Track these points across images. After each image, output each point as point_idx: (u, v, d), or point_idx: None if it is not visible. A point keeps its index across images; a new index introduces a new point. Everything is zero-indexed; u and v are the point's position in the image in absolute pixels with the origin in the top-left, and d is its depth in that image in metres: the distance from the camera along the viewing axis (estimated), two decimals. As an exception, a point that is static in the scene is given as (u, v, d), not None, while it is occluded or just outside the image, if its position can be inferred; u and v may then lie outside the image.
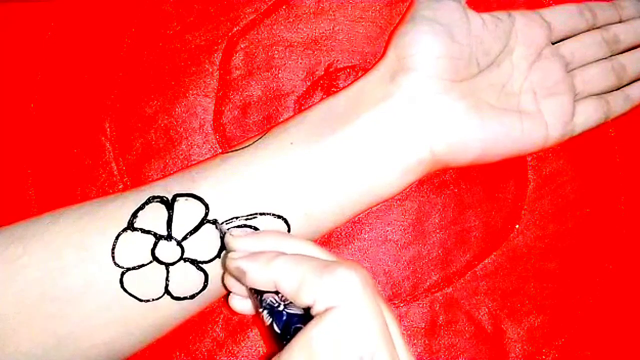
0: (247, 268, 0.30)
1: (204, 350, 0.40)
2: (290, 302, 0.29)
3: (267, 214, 0.34)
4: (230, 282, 0.33)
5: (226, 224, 0.34)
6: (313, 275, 0.27)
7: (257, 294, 0.30)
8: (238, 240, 0.32)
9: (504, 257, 0.42)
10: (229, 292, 0.34)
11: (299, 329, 0.26)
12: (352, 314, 0.26)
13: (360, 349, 0.25)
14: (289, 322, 0.28)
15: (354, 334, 0.25)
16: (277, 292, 0.29)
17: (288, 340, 0.26)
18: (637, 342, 0.41)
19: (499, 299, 0.41)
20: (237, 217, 0.34)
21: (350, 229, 0.41)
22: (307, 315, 0.28)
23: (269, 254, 0.30)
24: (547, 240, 0.42)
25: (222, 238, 0.34)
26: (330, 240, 0.41)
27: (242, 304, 0.34)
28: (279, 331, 0.28)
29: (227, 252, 0.32)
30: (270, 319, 0.28)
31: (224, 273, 0.34)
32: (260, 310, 0.29)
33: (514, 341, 0.41)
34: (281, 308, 0.28)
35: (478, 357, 0.41)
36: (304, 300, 0.27)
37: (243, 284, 0.31)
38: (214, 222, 0.34)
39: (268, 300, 0.29)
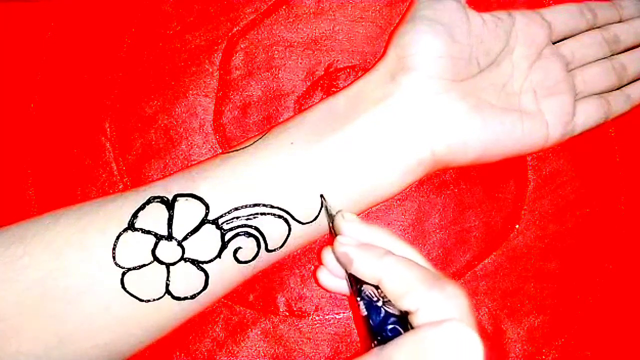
0: (355, 257, 0.30)
1: (204, 350, 0.40)
2: (389, 301, 0.29)
3: (268, 214, 0.34)
4: (327, 259, 0.34)
5: (226, 223, 0.34)
6: (422, 285, 0.28)
7: (356, 282, 0.31)
8: (349, 225, 0.32)
9: (504, 257, 0.42)
10: (319, 265, 0.35)
11: (396, 330, 0.28)
12: (465, 331, 0.26)
13: None
14: (386, 320, 0.28)
15: (464, 348, 0.26)
16: (376, 287, 0.30)
17: (383, 337, 0.27)
18: (637, 342, 0.42)
19: (499, 299, 0.41)
20: (237, 217, 0.34)
21: (351, 229, 0.41)
22: (403, 318, 0.28)
23: (379, 250, 0.30)
24: (547, 240, 0.42)
25: (328, 215, 0.34)
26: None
27: (329, 280, 0.34)
28: (373, 325, 0.29)
29: (336, 233, 0.33)
30: (367, 312, 0.29)
31: (324, 248, 0.34)
32: (358, 299, 0.30)
33: (514, 341, 0.41)
34: (380, 304, 0.29)
35: (478, 357, 0.41)
36: (406, 305, 0.28)
37: (345, 269, 0.32)
38: (321, 196, 0.35)
39: (367, 292, 0.30)
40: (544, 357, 0.41)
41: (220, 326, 0.41)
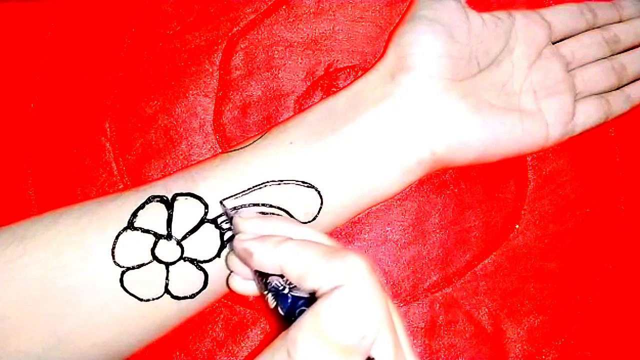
0: (255, 250, 0.30)
1: (204, 350, 0.40)
2: (295, 286, 0.29)
3: (267, 213, 0.34)
4: (234, 263, 0.33)
5: (225, 223, 0.34)
6: (321, 260, 0.27)
7: (262, 277, 0.30)
8: (246, 222, 0.32)
9: (504, 257, 0.42)
10: (230, 273, 0.34)
11: (304, 311, 0.26)
12: (359, 293, 0.26)
13: (365, 326, 0.25)
14: (294, 305, 0.28)
15: (360, 311, 0.25)
16: (282, 276, 0.29)
17: (292, 322, 0.26)
18: (637, 342, 0.41)
19: (499, 299, 0.41)
20: (236, 217, 0.34)
21: (350, 229, 0.41)
22: (312, 299, 0.27)
23: (277, 238, 0.30)
24: (547, 240, 0.42)
25: (229, 220, 0.34)
26: (330, 240, 0.41)
27: (242, 285, 0.34)
28: (283, 313, 0.28)
29: (235, 233, 0.32)
30: (275, 302, 0.28)
31: (228, 254, 0.34)
32: (265, 292, 0.29)
33: (514, 341, 0.41)
34: (286, 291, 0.28)
35: (478, 357, 0.41)
36: (309, 284, 0.27)
37: (248, 266, 0.31)
38: (220, 202, 0.34)
39: (273, 283, 0.29)
40: (544, 357, 0.41)
41: (220, 326, 0.41)
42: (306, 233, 0.31)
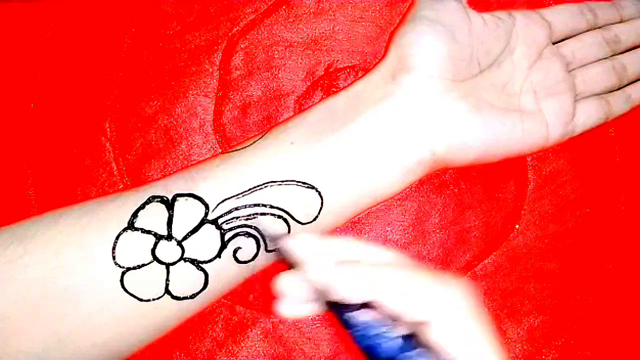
0: (344, 281, 0.27)
1: (204, 350, 0.40)
2: (387, 318, 0.26)
3: (267, 214, 0.34)
4: (288, 286, 0.30)
5: (226, 223, 0.34)
6: (426, 289, 0.26)
7: (340, 309, 0.27)
8: (309, 247, 0.29)
9: (504, 257, 0.42)
10: (274, 297, 0.31)
11: (418, 354, 0.24)
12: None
13: None
14: (398, 347, 0.25)
15: None
16: (364, 306, 0.26)
17: None
18: (637, 342, 0.42)
19: (499, 299, 0.41)
20: (237, 217, 0.34)
21: (350, 229, 0.41)
22: (414, 336, 0.25)
23: (363, 265, 0.28)
24: (547, 240, 0.42)
25: (263, 238, 0.33)
26: (330, 240, 0.41)
27: (295, 310, 0.30)
28: (384, 357, 0.25)
29: (290, 258, 0.29)
30: (368, 343, 0.26)
31: (279, 276, 0.30)
32: (349, 330, 0.26)
33: (514, 341, 0.41)
34: (379, 329, 0.25)
35: (478, 357, 0.41)
36: (417, 316, 0.26)
37: (325, 296, 0.28)
38: (255, 229, 0.33)
39: (359, 319, 0.26)
40: (544, 357, 0.41)
41: (220, 326, 0.41)
42: (386, 255, 0.29)
